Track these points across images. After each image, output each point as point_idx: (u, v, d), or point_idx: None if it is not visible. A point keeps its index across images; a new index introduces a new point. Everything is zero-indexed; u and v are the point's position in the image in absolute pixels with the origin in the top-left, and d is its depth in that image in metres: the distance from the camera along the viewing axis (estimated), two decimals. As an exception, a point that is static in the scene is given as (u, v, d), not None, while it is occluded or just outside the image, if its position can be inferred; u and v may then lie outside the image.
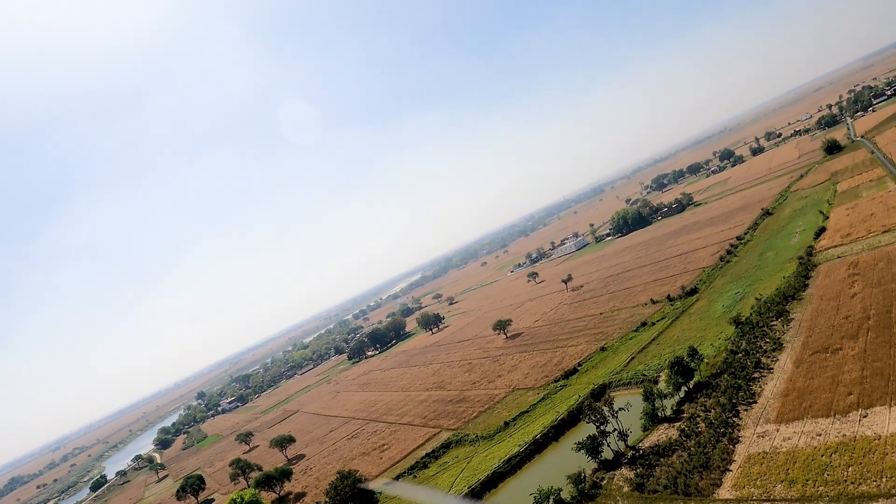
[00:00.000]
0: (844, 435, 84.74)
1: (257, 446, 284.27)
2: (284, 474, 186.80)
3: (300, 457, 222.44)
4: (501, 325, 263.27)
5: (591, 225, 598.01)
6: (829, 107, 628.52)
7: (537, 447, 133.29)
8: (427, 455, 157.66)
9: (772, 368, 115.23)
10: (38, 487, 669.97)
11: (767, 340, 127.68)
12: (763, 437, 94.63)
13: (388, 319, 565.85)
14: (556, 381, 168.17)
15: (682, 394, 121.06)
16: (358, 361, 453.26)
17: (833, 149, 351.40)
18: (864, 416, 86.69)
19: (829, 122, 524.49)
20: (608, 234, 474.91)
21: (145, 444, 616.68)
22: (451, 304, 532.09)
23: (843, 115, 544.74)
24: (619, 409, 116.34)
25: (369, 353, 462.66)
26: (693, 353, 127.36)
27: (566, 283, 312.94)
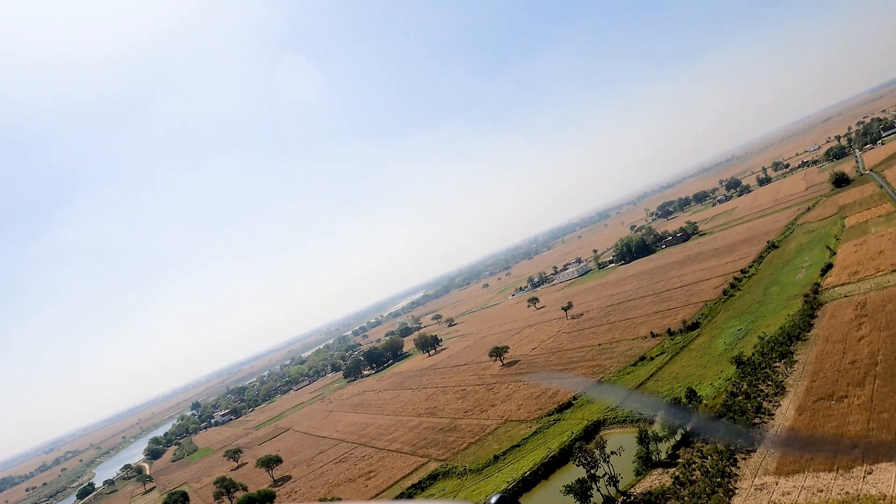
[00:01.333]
0: (847, 493, 79.28)
1: (246, 463, 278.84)
2: (267, 497, 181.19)
3: (286, 478, 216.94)
4: (498, 352, 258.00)
5: (595, 251, 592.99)
6: (838, 138, 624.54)
7: (526, 485, 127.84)
8: (413, 486, 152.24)
9: (773, 414, 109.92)
10: (27, 490, 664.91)
11: (770, 383, 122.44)
12: (761, 489, 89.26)
13: (386, 339, 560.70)
14: (549, 414, 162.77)
15: (678, 437, 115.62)
16: (353, 380, 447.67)
17: (841, 182, 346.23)
18: (869, 473, 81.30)
19: (838, 153, 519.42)
20: (611, 261, 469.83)
21: (136, 453, 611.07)
22: (451, 325, 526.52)
23: (851, 147, 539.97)
24: (612, 452, 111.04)
25: (365, 373, 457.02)
26: (691, 394, 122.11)
27: (566, 311, 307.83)
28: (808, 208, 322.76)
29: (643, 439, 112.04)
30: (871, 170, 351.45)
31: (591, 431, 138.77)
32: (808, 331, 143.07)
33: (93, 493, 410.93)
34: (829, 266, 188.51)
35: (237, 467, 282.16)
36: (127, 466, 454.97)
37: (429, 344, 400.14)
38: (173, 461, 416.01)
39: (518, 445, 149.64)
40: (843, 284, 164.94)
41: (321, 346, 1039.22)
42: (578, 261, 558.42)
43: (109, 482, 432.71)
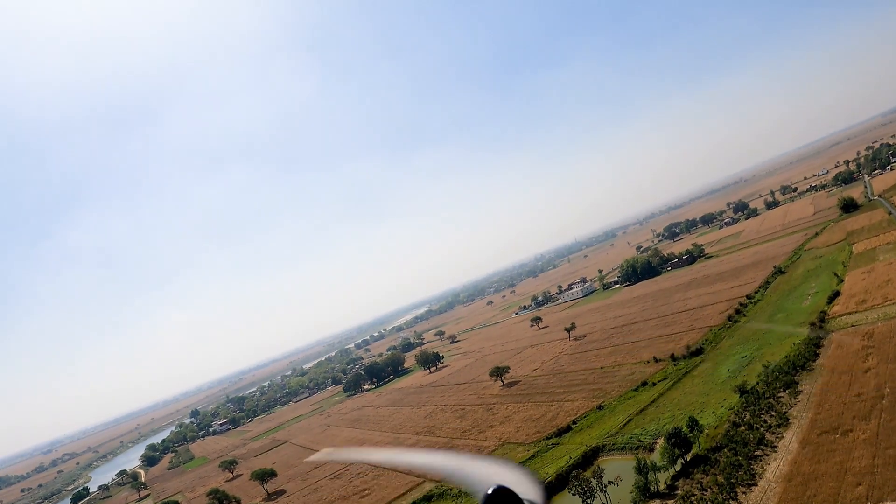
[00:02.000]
0: (852, 534, 76.80)
1: (240, 475, 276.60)
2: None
3: (280, 492, 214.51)
4: (499, 372, 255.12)
5: (600, 271, 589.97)
6: (847, 163, 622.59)
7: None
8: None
9: (776, 447, 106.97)
10: (21, 491, 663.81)
11: (773, 414, 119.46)
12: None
13: (388, 353, 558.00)
14: (548, 437, 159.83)
15: (677, 467, 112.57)
16: (353, 394, 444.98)
17: (849, 207, 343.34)
18: (875, 513, 78.76)
19: (847, 178, 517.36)
20: (616, 282, 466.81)
21: (133, 458, 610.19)
22: (453, 342, 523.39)
23: (860, 172, 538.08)
24: (609, 482, 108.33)
25: (365, 387, 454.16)
26: (693, 423, 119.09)
27: (569, 332, 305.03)
28: (816, 233, 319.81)
29: (641, 469, 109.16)
30: (879, 196, 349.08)
31: (590, 457, 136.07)
32: (814, 360, 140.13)
33: (87, 498, 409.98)
34: (836, 294, 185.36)
35: (232, 478, 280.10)
36: (123, 472, 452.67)
37: (430, 361, 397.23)
38: (169, 469, 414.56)
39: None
40: (850, 313, 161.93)
41: (323, 359, 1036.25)
42: (583, 280, 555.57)
43: (104, 487, 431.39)
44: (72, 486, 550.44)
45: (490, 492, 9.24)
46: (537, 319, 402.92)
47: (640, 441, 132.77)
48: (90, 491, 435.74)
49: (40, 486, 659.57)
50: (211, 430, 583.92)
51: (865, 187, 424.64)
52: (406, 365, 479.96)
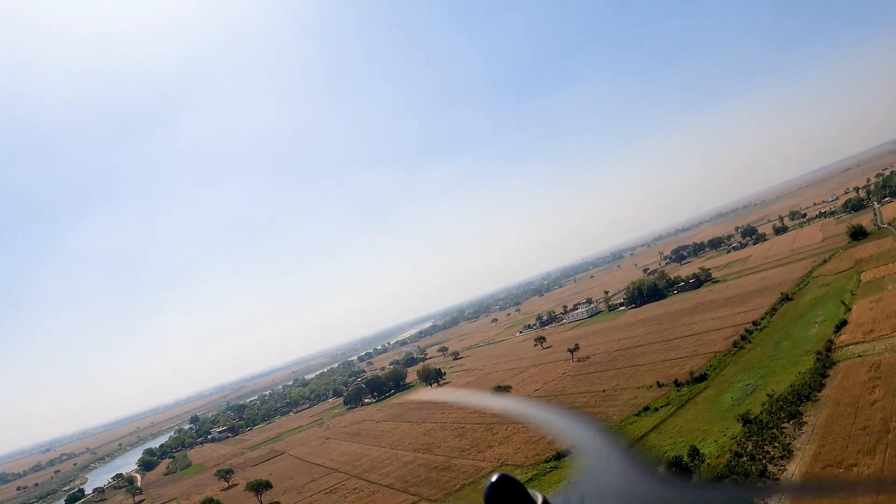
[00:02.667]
0: (855, 574, 74.57)
1: (236, 485, 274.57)
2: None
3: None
4: (500, 391, 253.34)
5: (606, 292, 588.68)
6: (857, 190, 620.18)
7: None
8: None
9: (778, 478, 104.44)
10: (17, 489, 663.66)
11: (776, 445, 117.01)
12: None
13: (391, 368, 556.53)
14: (547, 461, 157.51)
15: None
16: (353, 408, 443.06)
17: (858, 234, 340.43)
18: (879, 553, 76.54)
19: (856, 205, 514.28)
20: (622, 304, 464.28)
21: (130, 462, 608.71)
22: (456, 359, 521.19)
23: (870, 199, 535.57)
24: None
25: (366, 401, 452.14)
26: (694, 452, 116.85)
27: (572, 353, 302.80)
28: (824, 260, 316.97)
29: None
30: (889, 224, 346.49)
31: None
32: (819, 391, 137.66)
33: (82, 500, 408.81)
34: (844, 323, 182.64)
35: (227, 488, 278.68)
36: (119, 475, 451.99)
37: (432, 377, 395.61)
38: (165, 475, 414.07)
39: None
40: (857, 343, 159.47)
41: (325, 370, 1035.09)
42: (589, 301, 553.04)
43: (99, 490, 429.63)
44: (68, 487, 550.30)
45: (494, 479, 9.00)
46: (541, 339, 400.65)
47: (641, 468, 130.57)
48: (85, 493, 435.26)
49: (36, 485, 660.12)
50: (209, 437, 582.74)
51: (875, 215, 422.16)
52: (408, 380, 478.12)
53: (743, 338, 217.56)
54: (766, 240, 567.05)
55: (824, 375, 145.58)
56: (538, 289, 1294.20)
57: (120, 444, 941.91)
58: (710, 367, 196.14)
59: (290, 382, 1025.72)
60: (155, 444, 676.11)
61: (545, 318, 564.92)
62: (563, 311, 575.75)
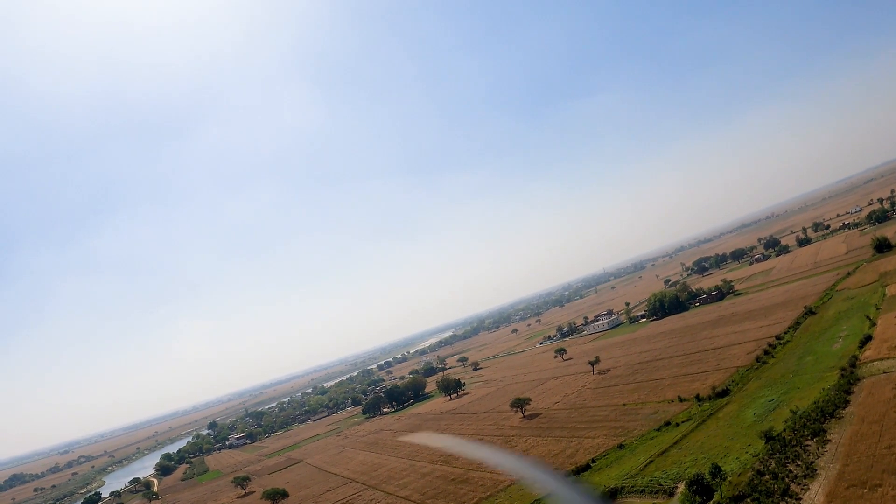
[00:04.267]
0: None
1: (252, 492, 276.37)
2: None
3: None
4: (520, 404, 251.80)
5: (627, 304, 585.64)
6: (881, 201, 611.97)
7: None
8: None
9: (801, 499, 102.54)
10: (35, 490, 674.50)
11: (799, 463, 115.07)
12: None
13: (410, 377, 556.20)
14: (566, 475, 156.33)
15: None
16: (372, 417, 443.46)
17: (883, 247, 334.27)
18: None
19: (880, 217, 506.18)
20: (643, 316, 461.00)
21: (148, 466, 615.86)
22: (476, 369, 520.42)
23: (894, 210, 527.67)
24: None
25: (384, 410, 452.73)
26: (715, 469, 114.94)
27: (593, 366, 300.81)
28: (848, 273, 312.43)
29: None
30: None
31: (608, 499, 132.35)
32: (844, 408, 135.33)
33: (98, 503, 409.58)
34: (869, 338, 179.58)
35: (244, 495, 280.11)
36: (136, 480, 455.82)
37: (451, 387, 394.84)
38: (182, 480, 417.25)
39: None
40: (882, 359, 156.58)
41: (344, 378, 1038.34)
42: (609, 313, 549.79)
43: (116, 494, 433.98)
44: (84, 490, 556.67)
45: None
46: (561, 351, 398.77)
47: (661, 485, 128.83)
48: (102, 496, 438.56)
49: (54, 486, 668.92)
50: (227, 443, 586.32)
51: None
52: (427, 390, 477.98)
53: (766, 352, 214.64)
54: (789, 252, 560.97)
55: (849, 392, 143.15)
56: (559, 299, 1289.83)
57: (138, 448, 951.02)
58: (733, 381, 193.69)
59: (309, 390, 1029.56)
60: (172, 448, 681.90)
61: (565, 329, 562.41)
62: (583, 322, 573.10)
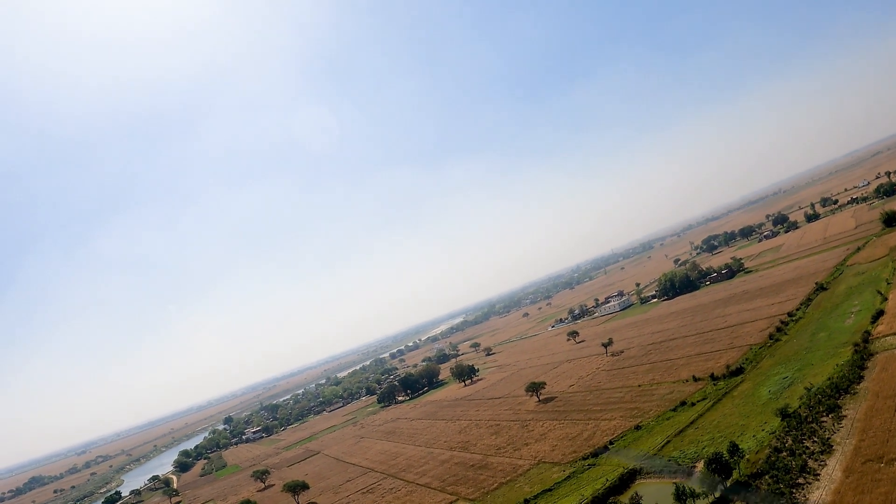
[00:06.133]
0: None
1: (272, 486, 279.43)
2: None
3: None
4: (535, 388, 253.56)
5: (638, 284, 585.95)
6: (889, 174, 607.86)
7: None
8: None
9: (818, 474, 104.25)
10: (54, 492, 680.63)
11: (816, 440, 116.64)
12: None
13: (423, 365, 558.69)
14: (584, 458, 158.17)
15: (717, 494, 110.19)
16: (387, 406, 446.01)
17: (892, 220, 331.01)
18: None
19: (888, 190, 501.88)
20: (654, 296, 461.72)
21: (166, 463, 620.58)
22: (489, 355, 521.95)
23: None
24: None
25: (399, 398, 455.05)
26: (733, 448, 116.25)
27: (606, 347, 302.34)
28: (858, 248, 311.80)
29: (680, 495, 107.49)
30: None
31: (627, 480, 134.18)
32: (858, 383, 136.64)
33: (119, 503, 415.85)
34: (881, 312, 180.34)
35: (264, 489, 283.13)
36: (155, 478, 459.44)
37: (465, 373, 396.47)
38: (201, 476, 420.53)
39: (550, 489, 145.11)
40: (894, 334, 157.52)
41: (357, 368, 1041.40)
42: (620, 294, 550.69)
43: (136, 492, 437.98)
44: (104, 489, 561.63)
45: None
46: (574, 333, 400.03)
47: (679, 464, 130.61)
48: (122, 495, 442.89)
49: (73, 487, 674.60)
50: (244, 437, 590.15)
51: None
52: (441, 377, 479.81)
53: (778, 329, 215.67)
54: (797, 227, 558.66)
55: (862, 367, 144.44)
56: (568, 282, 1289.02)
57: (155, 446, 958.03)
58: (746, 360, 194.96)
59: (323, 381, 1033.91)
60: (189, 445, 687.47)
61: (577, 311, 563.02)
62: (594, 304, 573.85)
